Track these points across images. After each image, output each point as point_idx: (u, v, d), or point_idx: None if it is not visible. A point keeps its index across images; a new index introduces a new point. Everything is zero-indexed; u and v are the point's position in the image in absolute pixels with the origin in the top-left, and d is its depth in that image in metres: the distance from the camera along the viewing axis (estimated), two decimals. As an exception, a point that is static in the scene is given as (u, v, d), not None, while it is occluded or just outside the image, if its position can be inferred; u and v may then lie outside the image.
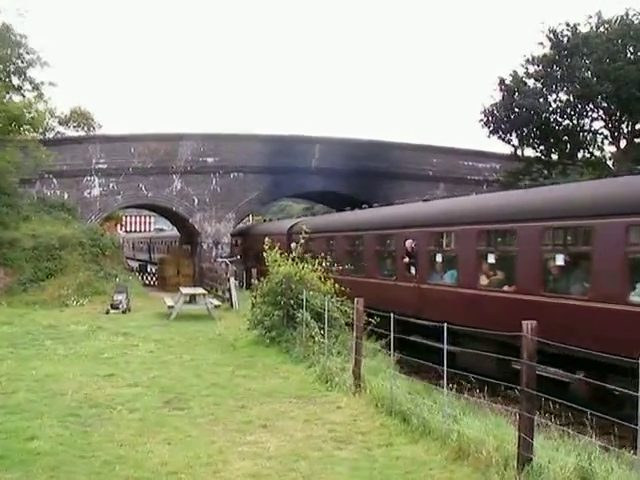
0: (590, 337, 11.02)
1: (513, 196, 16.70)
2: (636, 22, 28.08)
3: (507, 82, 31.11)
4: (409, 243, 18.12)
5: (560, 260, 13.42)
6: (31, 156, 29.99)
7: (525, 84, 30.69)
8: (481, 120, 32.16)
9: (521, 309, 12.85)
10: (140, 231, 79.14)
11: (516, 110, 30.73)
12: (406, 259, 18.08)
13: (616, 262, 11.80)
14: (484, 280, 15.29)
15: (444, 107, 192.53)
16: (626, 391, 7.87)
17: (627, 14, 28.24)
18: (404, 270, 18.62)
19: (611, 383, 9.55)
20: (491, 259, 15.29)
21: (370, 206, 23.40)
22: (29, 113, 30.44)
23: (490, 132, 32.44)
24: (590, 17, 29.22)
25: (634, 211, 11.59)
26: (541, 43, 30.05)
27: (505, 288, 14.64)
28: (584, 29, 29.11)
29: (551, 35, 29.52)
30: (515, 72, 31.17)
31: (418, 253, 18.04)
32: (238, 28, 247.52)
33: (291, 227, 30.93)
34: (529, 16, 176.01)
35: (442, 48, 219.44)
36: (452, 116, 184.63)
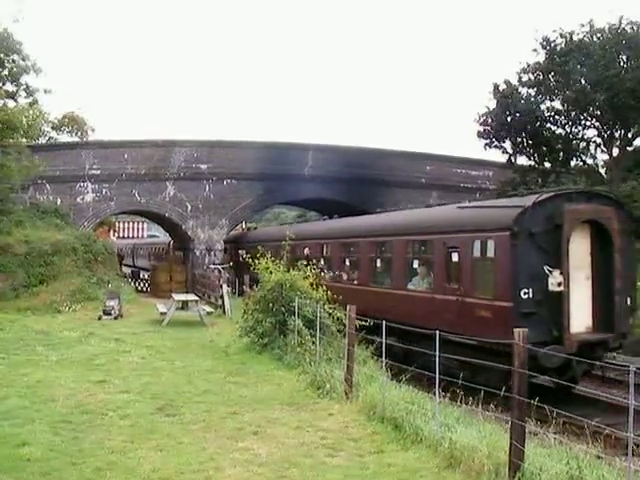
0: (394, 312, 15.48)
1: (359, 220, 25.49)
2: (629, 31, 28.16)
3: (501, 88, 31.19)
4: (306, 250, 23.46)
5: (378, 263, 21.39)
6: (24, 163, 29.94)
7: (519, 92, 30.78)
8: (476, 122, 32.15)
9: (363, 296, 18.60)
10: (133, 237, 78.92)
11: (509, 118, 30.81)
12: (304, 262, 22.07)
13: (402, 265, 19.60)
14: (345, 277, 21.12)
15: (438, 115, 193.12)
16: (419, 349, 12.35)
17: (620, 23, 28.31)
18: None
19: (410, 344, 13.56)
20: (347, 262, 21.92)
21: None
22: (26, 118, 30.40)
23: (486, 144, 32.49)
24: (582, 25, 29.33)
25: (411, 232, 19.68)
26: (535, 50, 30.15)
27: (355, 282, 20.72)
28: (577, 37, 29.19)
29: (544, 43, 29.60)
30: (508, 81, 31.27)
31: (312, 258, 23.51)
32: (231, 36, 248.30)
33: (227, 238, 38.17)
34: (524, 24, 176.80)
35: (436, 56, 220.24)
36: (446, 124, 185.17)
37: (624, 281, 15.82)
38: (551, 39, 29.44)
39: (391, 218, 23.05)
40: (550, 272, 14.91)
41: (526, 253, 14.98)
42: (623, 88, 26.54)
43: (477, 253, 16.31)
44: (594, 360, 14.94)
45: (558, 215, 15.24)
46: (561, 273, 14.97)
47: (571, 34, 29.33)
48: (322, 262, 23.03)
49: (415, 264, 19.21)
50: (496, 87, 31.18)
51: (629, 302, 16.17)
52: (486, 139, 32.25)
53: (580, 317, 15.41)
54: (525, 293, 14.77)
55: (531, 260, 14.94)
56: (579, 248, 15.70)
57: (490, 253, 15.90)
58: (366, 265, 21.69)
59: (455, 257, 16.97)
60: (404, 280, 19.29)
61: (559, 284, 14.92)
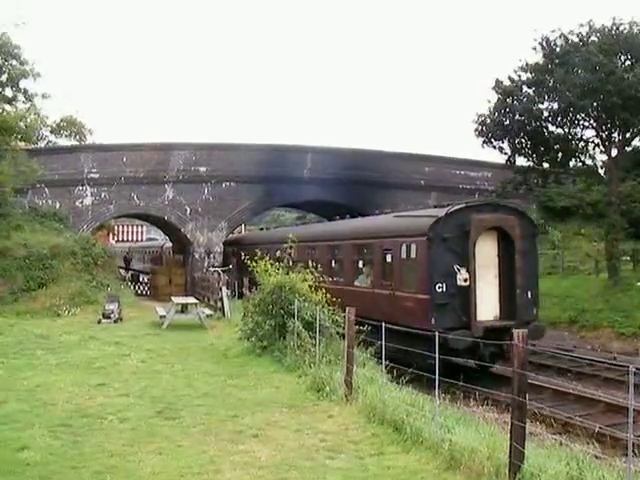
0: (346, 305, 15.06)
1: (318, 227, 31.34)
2: (625, 32, 28.01)
3: (503, 84, 31.04)
4: (277, 253, 24.79)
5: (334, 263, 24.94)
6: (21, 169, 29.92)
7: (520, 89, 30.63)
8: (475, 124, 32.04)
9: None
10: (132, 240, 78.93)
11: (509, 115, 30.69)
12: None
13: (350, 265, 23.29)
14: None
15: (436, 116, 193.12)
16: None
17: (615, 23, 28.17)
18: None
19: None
20: (310, 263, 21.96)
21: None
22: (24, 124, 30.38)
23: (483, 142, 32.36)
24: (581, 25, 29.17)
25: (357, 237, 23.61)
26: (534, 48, 29.97)
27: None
28: (575, 38, 29.02)
29: (544, 43, 29.45)
30: (511, 77, 31.13)
31: (282, 259, 24.83)
32: (229, 39, 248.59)
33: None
34: (524, 26, 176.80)
35: (434, 58, 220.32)
36: (444, 125, 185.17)
37: (525, 278, 18.78)
38: (551, 39, 29.28)
39: (343, 225, 27.44)
40: (458, 270, 17.99)
41: (440, 254, 18.17)
42: (608, 90, 26.44)
43: (404, 255, 19.68)
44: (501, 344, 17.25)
45: (467, 223, 18.28)
46: (467, 271, 18.01)
47: (565, 35, 29.15)
48: (290, 263, 24.46)
49: (360, 264, 22.85)
50: (498, 83, 31.04)
51: (530, 295, 19.14)
52: (484, 137, 32.13)
53: (488, 307, 18.53)
54: (439, 287, 17.92)
55: (444, 260, 18.07)
56: (487, 250, 18.84)
57: (413, 254, 19.23)
58: (324, 265, 23.42)
59: (389, 258, 20.53)
60: (352, 277, 22.86)
61: (465, 280, 18.01)
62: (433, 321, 17.44)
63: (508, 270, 18.81)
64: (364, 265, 22.53)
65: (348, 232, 25.09)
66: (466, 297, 17.99)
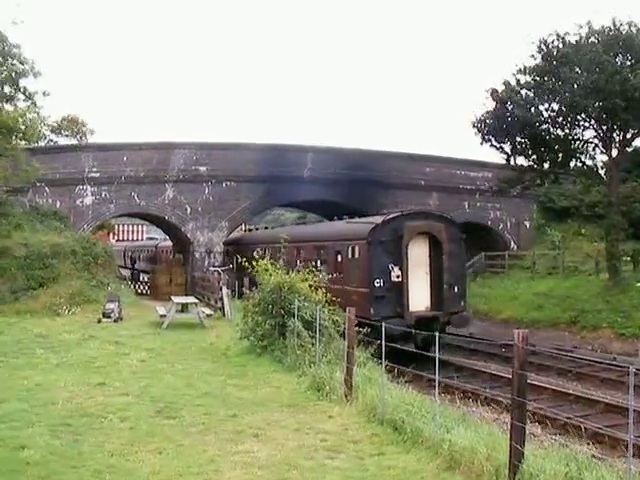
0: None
1: (287, 230, 32.25)
2: (624, 32, 27.92)
3: (499, 92, 30.94)
4: (255, 253, 25.39)
5: (298, 262, 24.22)
6: (22, 168, 29.87)
7: (517, 93, 30.51)
8: (474, 127, 31.98)
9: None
10: (131, 240, 79.00)
11: (508, 119, 30.58)
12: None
13: (311, 262, 23.87)
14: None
15: (437, 116, 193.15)
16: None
17: (614, 24, 28.08)
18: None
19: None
20: (280, 261, 23.35)
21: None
22: (23, 124, 30.29)
23: (482, 140, 32.28)
24: (580, 27, 29.05)
25: (316, 240, 27.59)
26: (532, 56, 29.84)
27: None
28: (574, 39, 28.86)
29: (542, 46, 29.29)
30: (507, 82, 31.01)
31: (259, 258, 26.73)
32: (230, 38, 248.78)
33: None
34: (524, 24, 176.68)
35: (435, 56, 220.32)
36: (445, 125, 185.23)
37: (452, 275, 22.35)
38: (548, 41, 29.11)
39: (305, 229, 32.39)
40: (392, 268, 21.43)
41: (378, 255, 21.71)
42: (612, 90, 26.37)
43: (350, 255, 23.56)
44: (432, 331, 19.14)
45: (400, 229, 21.92)
46: (400, 269, 21.49)
47: (565, 36, 28.99)
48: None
49: (319, 262, 25.74)
50: (494, 91, 30.95)
51: (457, 290, 22.53)
52: (484, 136, 32.03)
53: (420, 300, 22.01)
54: (377, 282, 21.41)
55: (381, 260, 21.60)
56: (419, 252, 22.26)
57: (357, 255, 23.03)
58: (291, 264, 25.35)
59: (339, 258, 24.53)
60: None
61: (398, 277, 21.49)
62: (372, 311, 20.68)
63: (437, 268, 22.28)
64: (322, 264, 25.67)
65: (310, 235, 29.48)
66: (400, 291, 21.48)
